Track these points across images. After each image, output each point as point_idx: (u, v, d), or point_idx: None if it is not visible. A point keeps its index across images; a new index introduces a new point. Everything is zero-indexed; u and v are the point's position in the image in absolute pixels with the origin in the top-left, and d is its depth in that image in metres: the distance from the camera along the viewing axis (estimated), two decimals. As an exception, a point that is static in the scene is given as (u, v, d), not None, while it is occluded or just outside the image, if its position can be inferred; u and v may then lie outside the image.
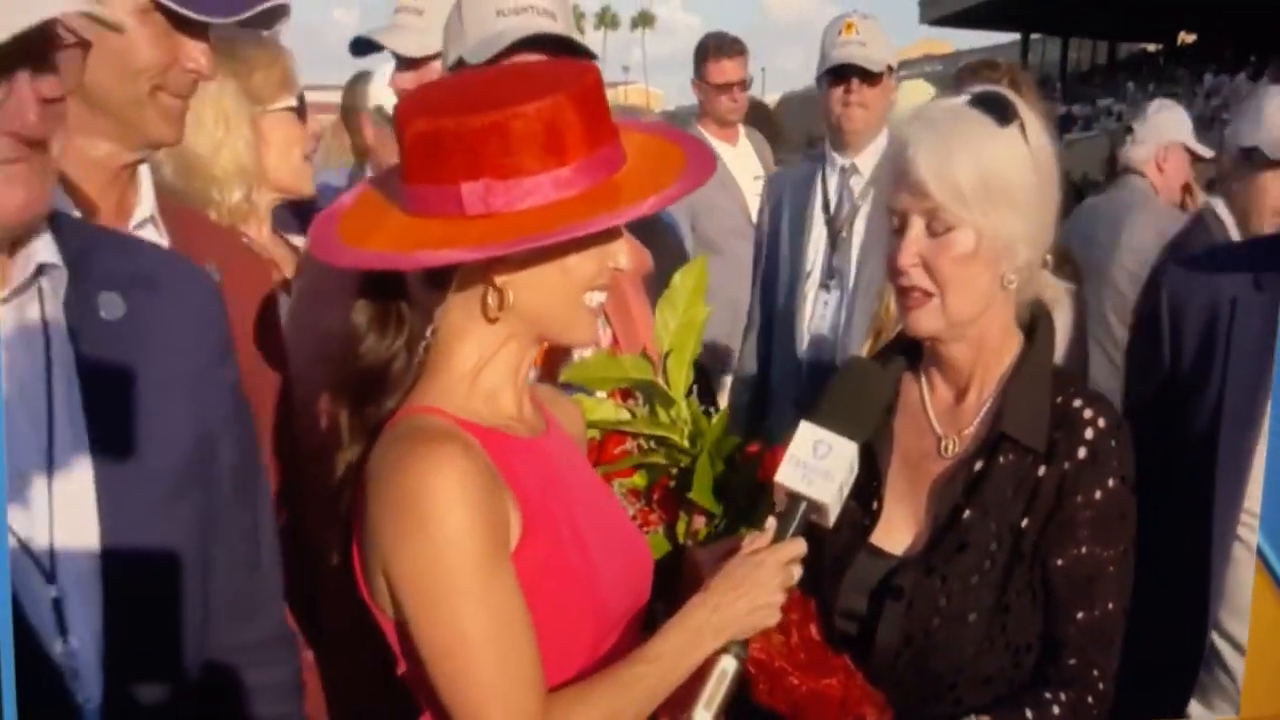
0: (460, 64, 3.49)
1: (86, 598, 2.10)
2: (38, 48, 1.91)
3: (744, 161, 8.04)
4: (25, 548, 2.03)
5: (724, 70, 8.07)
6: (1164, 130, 7.17)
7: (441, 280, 2.41)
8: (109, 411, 2.13)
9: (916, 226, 2.74)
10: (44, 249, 2.12)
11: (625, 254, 2.43)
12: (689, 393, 2.98)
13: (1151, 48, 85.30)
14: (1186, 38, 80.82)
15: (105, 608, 2.11)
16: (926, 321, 2.78)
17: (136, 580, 2.16)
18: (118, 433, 2.13)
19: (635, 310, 3.64)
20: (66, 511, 2.07)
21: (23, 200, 1.99)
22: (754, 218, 7.59)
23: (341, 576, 2.50)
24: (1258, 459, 3.28)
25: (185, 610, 2.27)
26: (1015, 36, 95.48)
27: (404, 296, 2.44)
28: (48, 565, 2.06)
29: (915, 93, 10.52)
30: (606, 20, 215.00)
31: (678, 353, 2.97)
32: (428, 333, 2.44)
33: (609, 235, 2.39)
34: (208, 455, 2.30)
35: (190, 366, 2.30)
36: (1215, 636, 3.40)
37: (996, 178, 2.68)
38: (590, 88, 2.36)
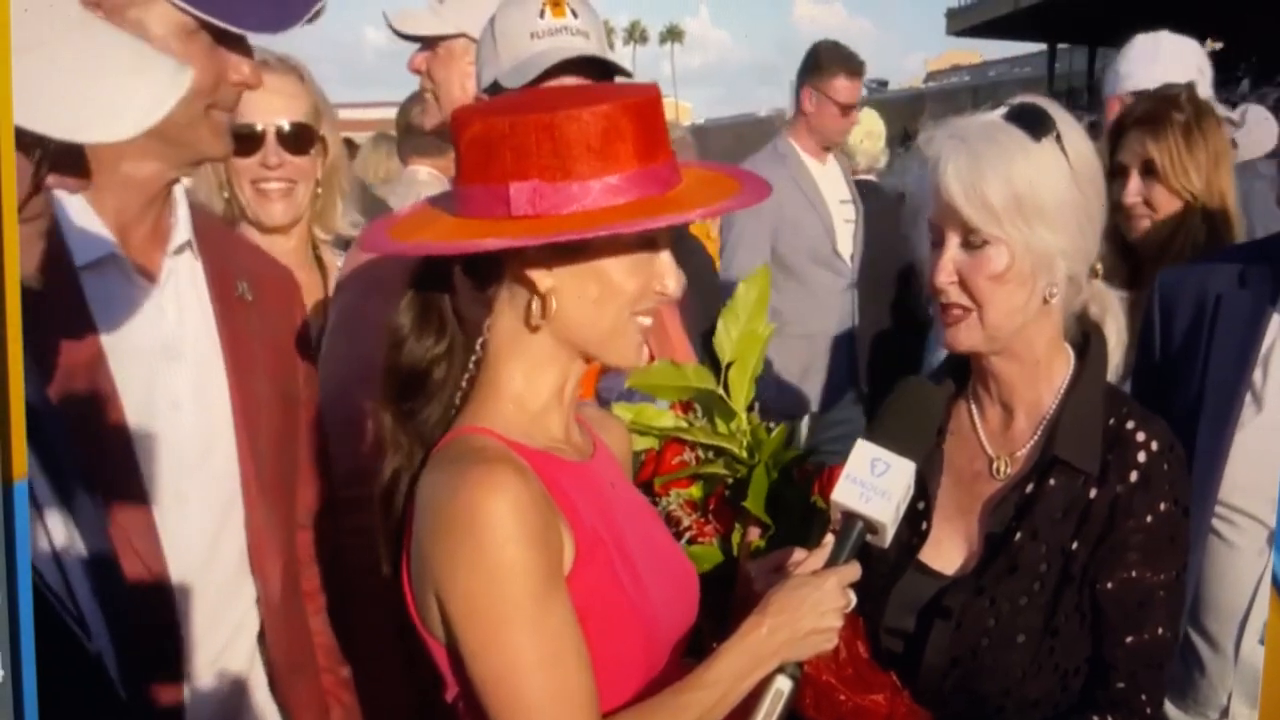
0: (496, 87, 3.46)
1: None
2: None
3: (832, 183, 7.70)
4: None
5: (851, 90, 7.67)
6: (1265, 145, 7.00)
7: (488, 285, 2.42)
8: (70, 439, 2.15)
9: (952, 243, 2.73)
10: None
11: (673, 277, 2.41)
12: (750, 408, 2.96)
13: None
14: (1214, 44, 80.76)
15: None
16: (965, 336, 2.77)
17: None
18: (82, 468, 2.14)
19: (671, 329, 3.63)
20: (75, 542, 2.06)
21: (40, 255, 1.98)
22: (839, 244, 7.35)
23: (381, 597, 2.49)
24: (1235, 452, 3.34)
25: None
26: (1042, 46, 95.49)
27: (450, 298, 2.44)
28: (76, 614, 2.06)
29: (867, 120, 10.45)
30: (636, 35, 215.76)
31: (740, 365, 2.97)
32: (477, 346, 2.43)
33: (653, 247, 2.38)
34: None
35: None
36: (1190, 632, 3.38)
37: (1029, 193, 2.67)
38: (648, 103, 2.35)
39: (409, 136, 7.07)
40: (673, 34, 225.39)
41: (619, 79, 3.48)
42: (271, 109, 3.99)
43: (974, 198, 2.67)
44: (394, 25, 4.50)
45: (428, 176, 6.81)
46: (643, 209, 2.28)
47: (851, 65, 7.68)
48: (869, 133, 9.86)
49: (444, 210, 2.42)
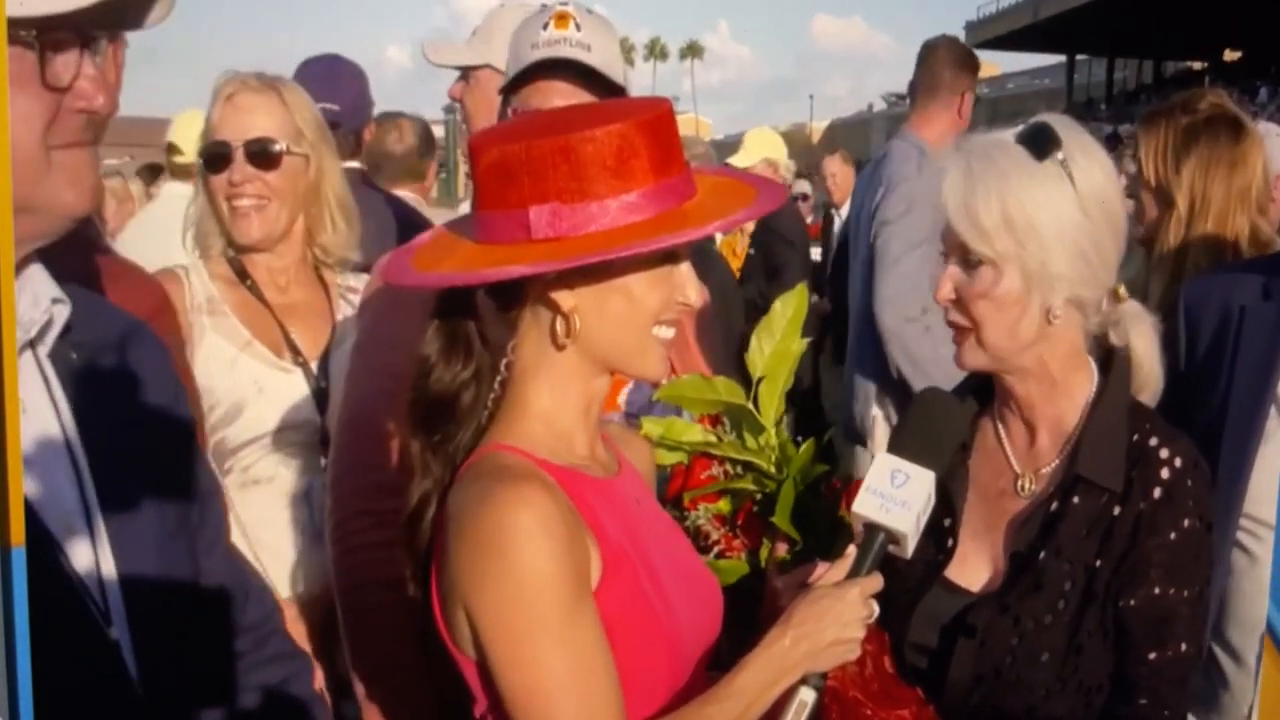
0: (504, 100, 3.55)
1: (131, 639, 2.08)
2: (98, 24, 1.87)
3: None
4: (86, 592, 2.01)
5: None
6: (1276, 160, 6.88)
7: (511, 307, 2.43)
8: (113, 455, 2.11)
9: (953, 262, 2.76)
10: (46, 282, 2.05)
11: (694, 287, 2.42)
12: (778, 423, 2.97)
13: (1197, 65, 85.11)
14: (1231, 55, 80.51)
15: (141, 648, 2.09)
16: (967, 356, 2.81)
17: (164, 617, 2.15)
18: (124, 477, 2.11)
19: (692, 343, 3.65)
20: (106, 554, 2.05)
21: (93, 186, 1.95)
22: None
23: (402, 611, 2.51)
24: (1259, 463, 3.35)
25: (206, 641, 2.29)
26: (1061, 58, 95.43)
27: (475, 323, 2.45)
28: (103, 608, 2.04)
29: (762, 139, 10.69)
30: (656, 51, 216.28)
31: (770, 380, 2.96)
32: (502, 367, 2.45)
33: (673, 260, 2.39)
34: (188, 488, 2.31)
35: (164, 406, 2.29)
36: (1213, 645, 3.37)
37: (1019, 214, 2.66)
38: (660, 118, 2.35)
39: (385, 163, 7.05)
40: (692, 50, 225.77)
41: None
42: (242, 126, 4.07)
43: (966, 215, 2.69)
44: (427, 55, 4.75)
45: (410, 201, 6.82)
46: (661, 225, 2.29)
47: None
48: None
49: (463, 236, 2.43)
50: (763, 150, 10.50)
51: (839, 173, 13.89)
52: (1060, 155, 2.70)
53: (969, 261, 2.72)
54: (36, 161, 1.83)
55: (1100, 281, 2.78)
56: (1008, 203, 2.66)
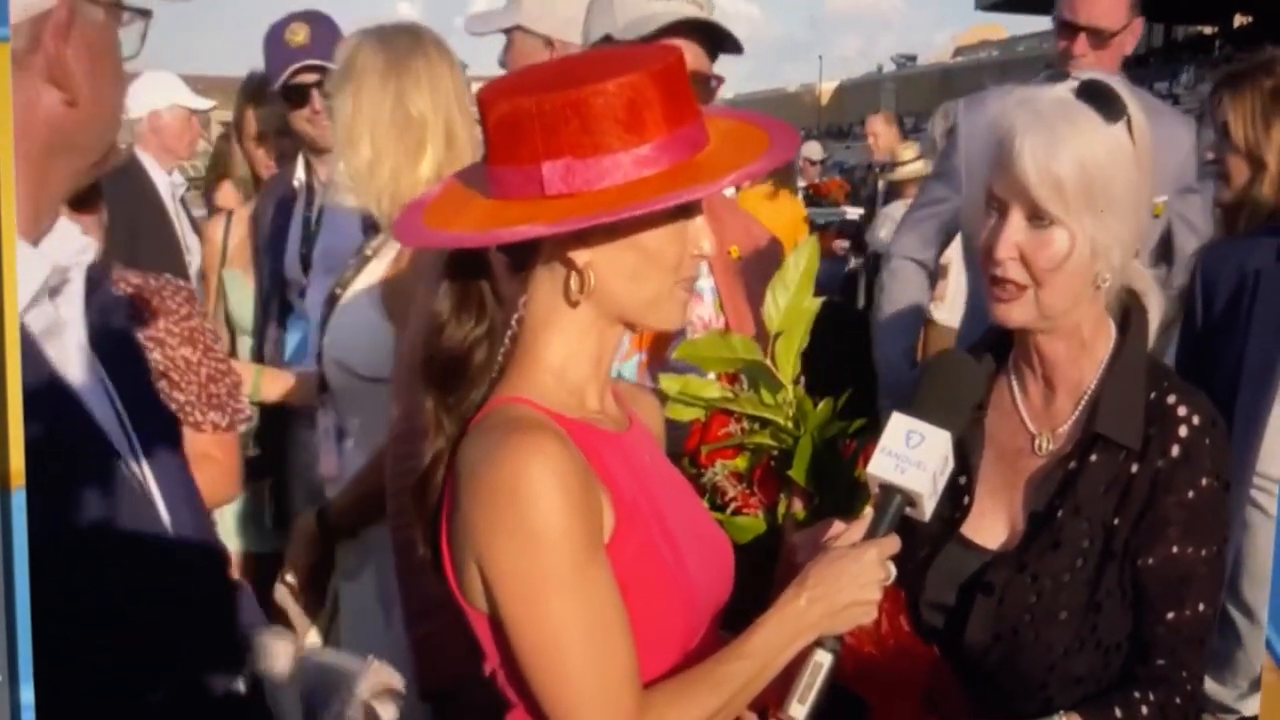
0: (607, 40, 3.58)
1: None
2: None
3: None
4: (146, 498, 2.03)
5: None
6: None
7: (524, 265, 2.40)
8: (130, 392, 2.11)
9: (1017, 218, 2.68)
10: (68, 225, 2.04)
11: (708, 238, 2.40)
12: (796, 380, 2.94)
13: (1208, 30, 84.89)
14: (1243, 20, 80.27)
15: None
16: (1018, 313, 2.74)
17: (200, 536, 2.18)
18: (144, 413, 2.12)
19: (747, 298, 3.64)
20: (147, 471, 2.06)
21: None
22: None
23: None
24: (1273, 423, 3.42)
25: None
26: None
27: (487, 281, 2.42)
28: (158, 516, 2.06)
29: None
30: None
31: (787, 337, 2.93)
32: (513, 322, 2.42)
33: (687, 214, 2.36)
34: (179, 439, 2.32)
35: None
36: (1227, 604, 3.39)
37: (1100, 178, 2.63)
38: (672, 67, 2.32)
39: None
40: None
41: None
42: None
43: (1047, 178, 2.62)
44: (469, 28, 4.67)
45: None
46: (676, 179, 2.26)
47: None
48: None
49: (475, 191, 2.39)
50: None
51: (882, 133, 13.74)
52: (1126, 116, 2.68)
53: (1038, 221, 2.66)
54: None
55: (1140, 241, 2.79)
56: (1089, 166, 2.61)
